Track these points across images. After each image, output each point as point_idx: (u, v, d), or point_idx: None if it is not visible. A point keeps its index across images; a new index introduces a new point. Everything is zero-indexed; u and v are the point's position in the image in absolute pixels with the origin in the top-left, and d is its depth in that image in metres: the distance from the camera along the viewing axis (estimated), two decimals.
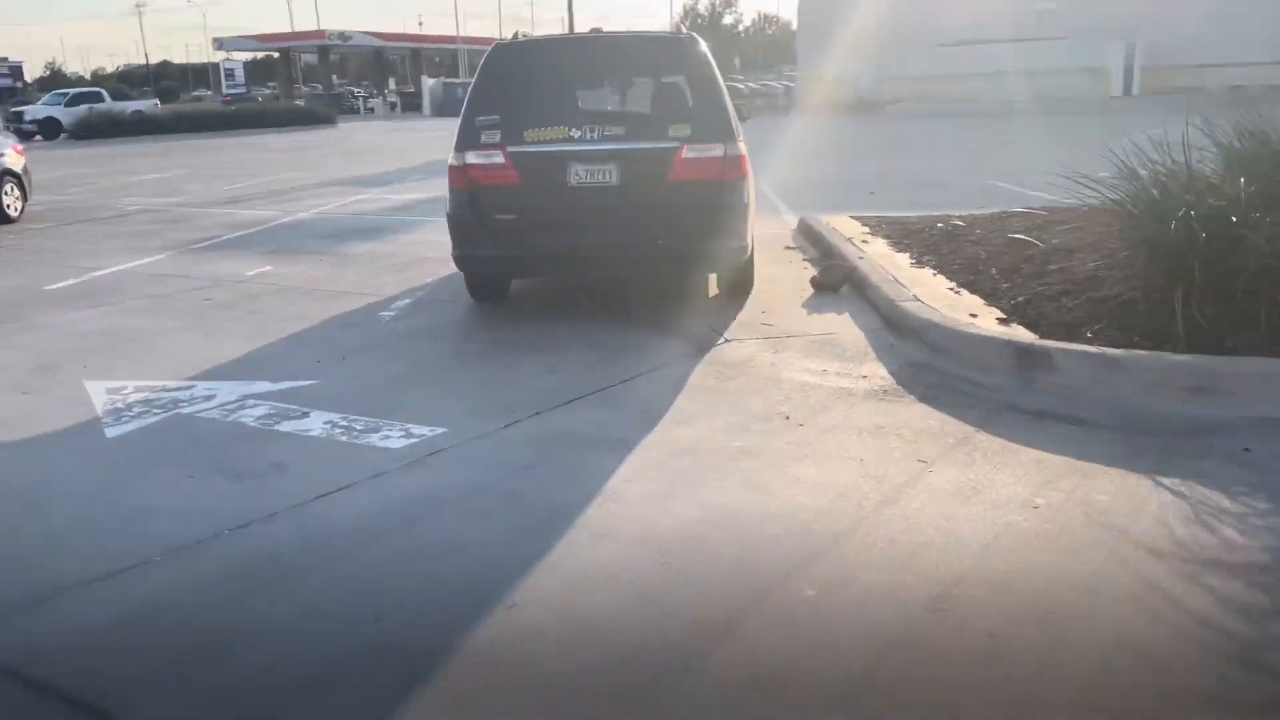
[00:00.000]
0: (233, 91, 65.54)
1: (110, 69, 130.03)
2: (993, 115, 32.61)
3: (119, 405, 4.97)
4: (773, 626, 2.79)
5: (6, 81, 78.04)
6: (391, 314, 7.09)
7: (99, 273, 9.18)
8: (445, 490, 3.79)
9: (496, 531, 3.44)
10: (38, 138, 37.73)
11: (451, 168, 6.49)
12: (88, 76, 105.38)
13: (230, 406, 4.90)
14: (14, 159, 13.94)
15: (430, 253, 9.85)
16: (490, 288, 7.20)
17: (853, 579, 3.01)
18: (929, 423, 4.34)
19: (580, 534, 3.38)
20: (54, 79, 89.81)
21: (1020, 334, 5.03)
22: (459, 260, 6.65)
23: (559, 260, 6.41)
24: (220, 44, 73.76)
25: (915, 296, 6.03)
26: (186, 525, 3.52)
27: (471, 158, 6.38)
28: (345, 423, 4.59)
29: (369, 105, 65.95)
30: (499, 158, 6.32)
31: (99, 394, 5.18)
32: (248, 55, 79.93)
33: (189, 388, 5.29)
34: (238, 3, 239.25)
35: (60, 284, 8.65)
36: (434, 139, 32.83)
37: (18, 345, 6.40)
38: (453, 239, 6.61)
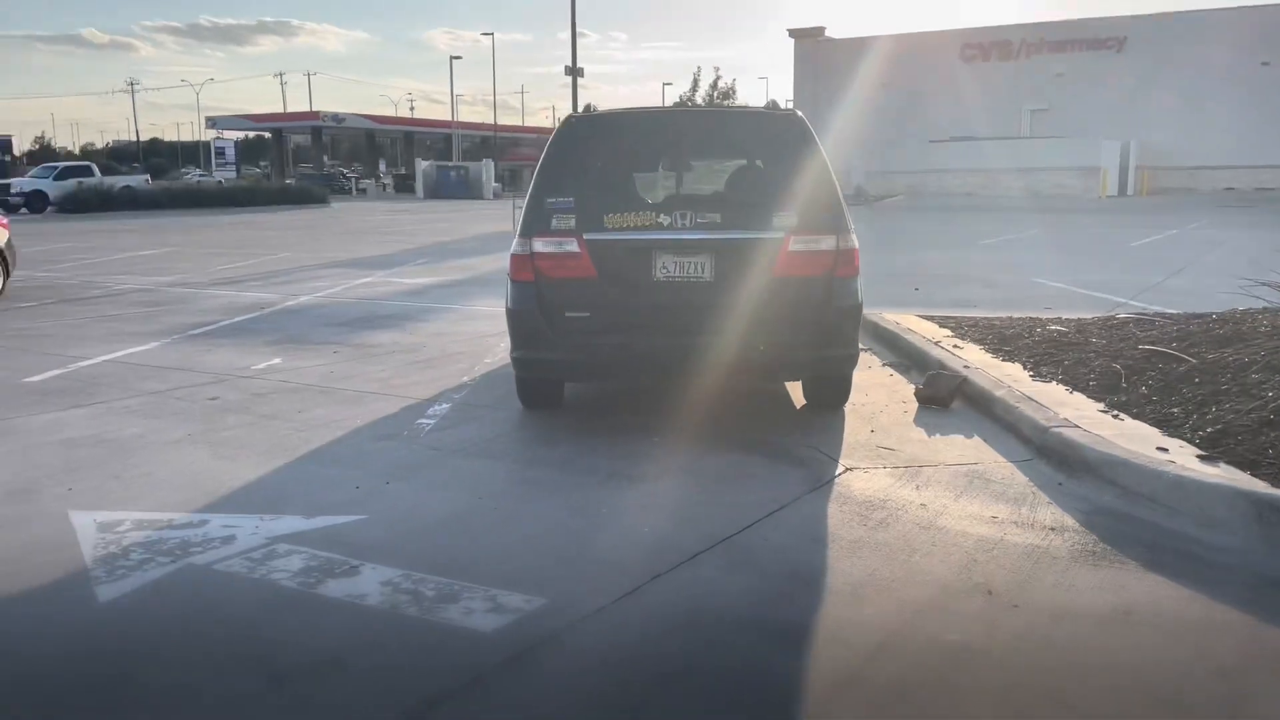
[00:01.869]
0: (223, 171, 65.22)
1: (100, 144, 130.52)
2: (989, 211, 32.40)
3: (113, 550, 3.90)
4: None
5: None
6: (431, 422, 6.07)
7: (86, 362, 8.14)
8: (576, 710, 2.73)
9: None
10: (23, 210, 36.84)
11: (515, 257, 5.56)
12: (77, 151, 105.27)
13: (256, 555, 3.84)
14: None
15: (458, 345, 8.89)
16: (546, 394, 6.22)
17: None
18: (1188, 607, 3.34)
19: None
20: (43, 153, 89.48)
21: (1245, 480, 4.06)
22: (521, 364, 5.67)
23: (639, 367, 5.44)
24: (213, 123, 73.88)
25: (1067, 420, 5.09)
26: None
27: (540, 245, 5.46)
28: (410, 585, 3.53)
29: (360, 186, 65.81)
30: (573, 246, 5.41)
31: (88, 531, 4.11)
32: (239, 134, 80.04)
33: (201, 523, 4.22)
34: (230, 84, 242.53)
35: (42, 375, 7.59)
36: (431, 220, 32.22)
37: None
38: (513, 338, 5.64)
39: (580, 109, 5.85)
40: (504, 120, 77.65)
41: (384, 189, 65.54)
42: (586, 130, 5.72)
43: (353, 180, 67.09)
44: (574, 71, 33.21)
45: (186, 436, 5.75)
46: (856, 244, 5.52)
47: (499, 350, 8.61)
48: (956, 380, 6.34)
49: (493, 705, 2.73)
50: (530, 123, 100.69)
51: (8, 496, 4.64)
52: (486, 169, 58.45)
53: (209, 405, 6.57)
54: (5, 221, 13.48)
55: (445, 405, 6.54)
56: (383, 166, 78.47)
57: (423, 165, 59.78)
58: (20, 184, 38.71)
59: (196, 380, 7.38)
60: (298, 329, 10.02)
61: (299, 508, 4.43)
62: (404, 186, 63.58)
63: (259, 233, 26.49)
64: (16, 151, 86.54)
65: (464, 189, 55.62)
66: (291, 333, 9.77)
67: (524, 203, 5.70)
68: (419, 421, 6.09)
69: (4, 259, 12.95)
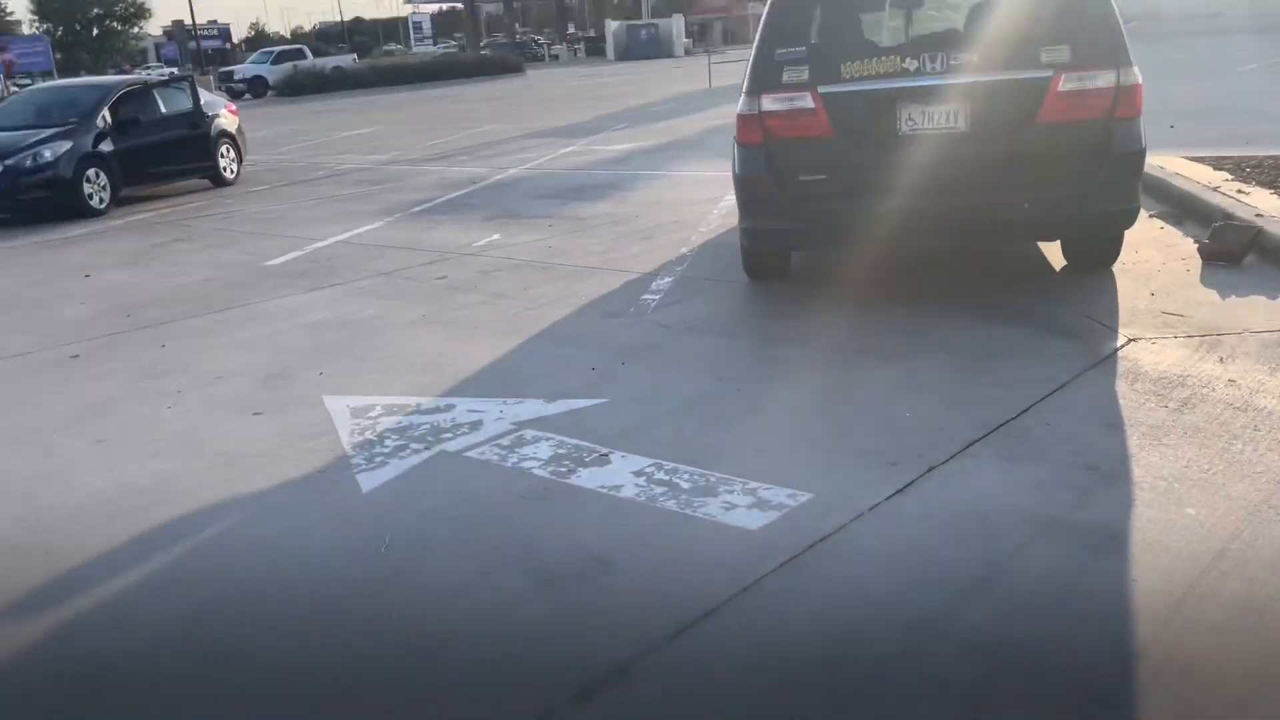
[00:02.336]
0: (421, 45, 66.53)
1: (308, 27, 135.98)
2: (1243, 34, 28.31)
3: (369, 436, 3.95)
4: None
5: (216, 43, 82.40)
6: (655, 298, 5.86)
7: (320, 244, 8.44)
8: (864, 623, 2.50)
9: None
10: (247, 96, 39.07)
11: (741, 118, 5.13)
12: (288, 35, 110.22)
13: (505, 442, 3.79)
14: (229, 120, 13.63)
15: (670, 214, 8.61)
16: (773, 265, 5.86)
17: None
18: None
19: None
20: (258, 39, 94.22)
21: None
22: (751, 234, 5.32)
23: (886, 233, 4.96)
24: None
25: None
26: (515, 691, 2.38)
27: (769, 103, 5.00)
28: (663, 475, 3.37)
29: (553, 52, 65.56)
30: (807, 101, 4.91)
31: (342, 417, 4.19)
32: (434, 7, 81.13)
33: (448, 408, 4.22)
34: None
35: (281, 258, 7.92)
36: (625, 83, 31.66)
37: (246, 342, 5.57)
38: (742, 207, 5.28)
39: None
40: None
41: (575, 53, 65.04)
42: None
43: (545, 47, 66.92)
44: None
45: (421, 317, 5.81)
46: (1139, 78, 4.74)
47: (713, 219, 8.27)
48: (1250, 231, 5.48)
49: (771, 615, 2.53)
50: None
51: (266, 381, 4.82)
52: (676, 25, 56.74)
53: (438, 285, 6.63)
54: (234, 109, 14.14)
55: (667, 279, 6.31)
56: (572, 29, 77.73)
57: (612, 26, 58.69)
58: (242, 70, 41.02)
59: (423, 259, 7.48)
60: (511, 202, 10.02)
61: (539, 391, 4.35)
62: (595, 49, 62.84)
63: (462, 106, 26.89)
64: (234, 39, 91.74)
65: (654, 47, 54.34)
66: (505, 206, 9.78)
67: (749, 56, 5.23)
68: (644, 297, 5.90)
69: (236, 145, 13.63)
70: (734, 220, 8.13)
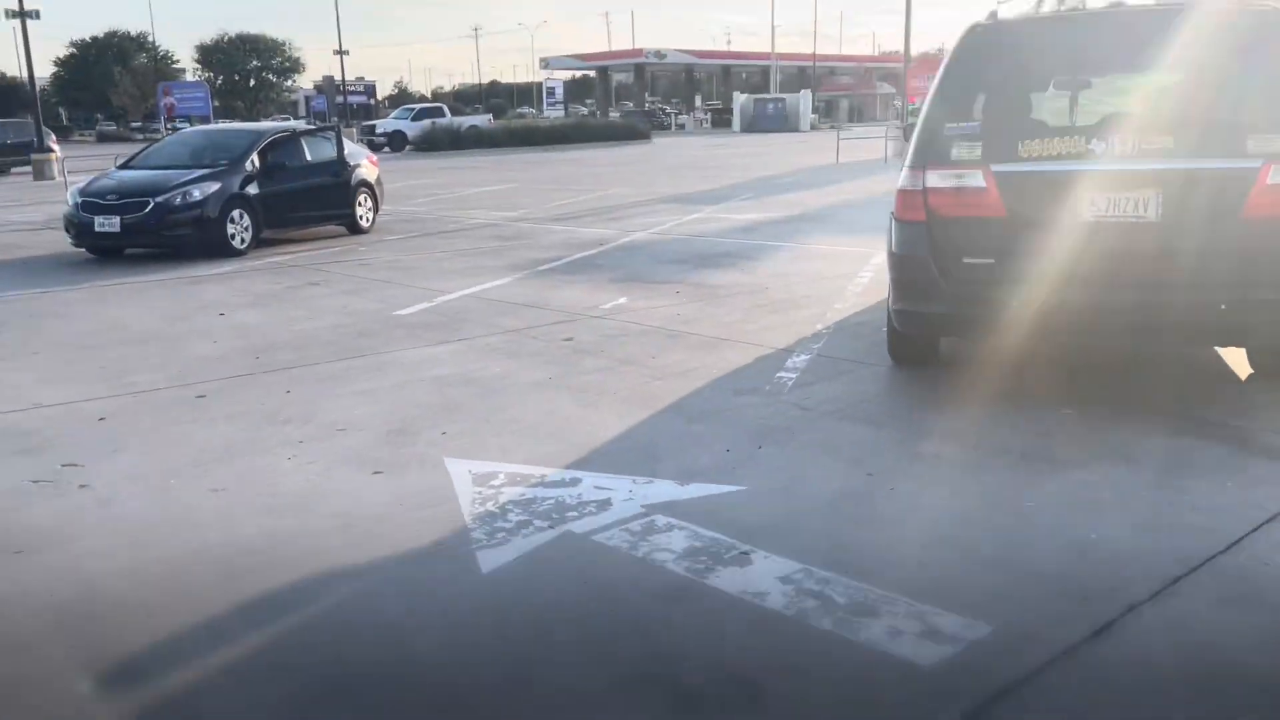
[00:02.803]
0: (553, 109, 68.48)
1: (448, 87, 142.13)
2: None
3: (490, 507, 3.70)
4: None
5: (362, 99, 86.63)
6: (792, 376, 5.52)
7: (448, 296, 8.40)
8: None
9: None
10: (386, 149, 40.64)
11: (902, 193, 4.81)
12: (429, 95, 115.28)
13: (635, 527, 3.48)
14: (369, 170, 13.99)
15: (803, 288, 8.29)
16: (921, 349, 5.47)
17: None
18: None
19: None
20: (401, 96, 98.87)
21: None
22: (904, 318, 4.95)
23: (1055, 328, 4.53)
24: (546, 63, 77.65)
25: None
26: None
27: (935, 179, 4.66)
28: (814, 585, 3.00)
29: (679, 121, 66.62)
30: (978, 180, 4.56)
31: (464, 483, 3.96)
32: (568, 74, 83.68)
33: (574, 482, 3.95)
34: (559, 27, 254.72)
35: (411, 309, 7.89)
36: (751, 154, 31.71)
37: (370, 393, 5.44)
38: (896, 288, 4.92)
39: (986, 14, 4.92)
40: (821, 50, 75.29)
41: (701, 124, 65.95)
42: (996, 40, 4.79)
43: (672, 116, 68.09)
44: None
45: (548, 379, 5.60)
46: None
47: (849, 295, 7.92)
48: None
49: None
50: (848, 51, 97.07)
51: (388, 436, 4.65)
52: (804, 100, 57.00)
53: (564, 346, 6.44)
54: (375, 160, 14.52)
55: (804, 357, 5.97)
56: (698, 101, 78.97)
57: (740, 99, 59.37)
58: (383, 125, 42.76)
59: (550, 318, 7.33)
60: (638, 266, 9.87)
61: (671, 470, 4.04)
62: (721, 121, 63.63)
63: (589, 169, 27.30)
64: (379, 96, 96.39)
65: (780, 121, 54.65)
66: (633, 270, 9.63)
67: (915, 128, 4.92)
68: (779, 375, 5.56)
69: (374, 194, 13.96)
70: (872, 298, 7.78)
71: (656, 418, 4.85)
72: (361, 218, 13.63)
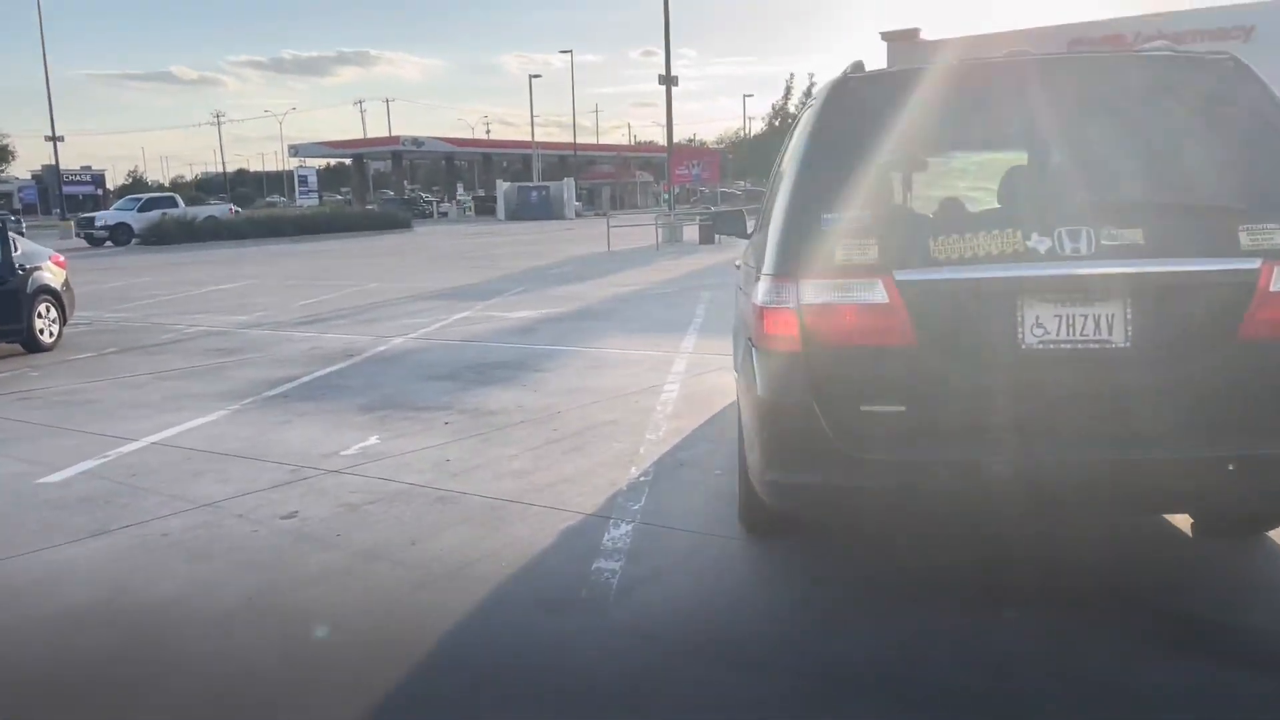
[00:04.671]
0: (306, 198, 64.93)
1: (189, 176, 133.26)
2: None
3: None
4: None
5: (89, 189, 78.83)
6: (616, 567, 3.90)
7: (130, 446, 6.19)
8: None
9: None
10: (109, 243, 36.23)
11: (765, 311, 3.33)
12: (167, 184, 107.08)
13: None
14: (52, 274, 11.33)
15: (603, 410, 6.76)
16: (779, 517, 3.99)
17: None
18: None
19: None
20: (135, 186, 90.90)
21: None
22: (777, 491, 3.40)
23: (1000, 504, 3.14)
24: (295, 150, 73.88)
25: None
26: None
27: (813, 292, 3.22)
28: None
29: (441, 209, 64.82)
30: (877, 293, 3.16)
31: None
32: (321, 162, 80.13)
33: None
34: (312, 114, 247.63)
35: (67, 471, 5.65)
36: (519, 243, 30.43)
37: None
38: (765, 449, 3.38)
39: (851, 65, 3.59)
40: (580, 140, 75.89)
41: (464, 211, 64.34)
42: (875, 97, 3.45)
43: (433, 204, 66.16)
44: (669, 80, 31.03)
45: (247, 602, 3.66)
46: None
47: (658, 418, 6.45)
48: None
49: None
50: (605, 141, 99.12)
51: None
52: (568, 188, 56.85)
53: (282, 531, 4.50)
54: (63, 260, 11.84)
55: (624, 527, 4.37)
56: (460, 190, 77.58)
57: (503, 186, 58.48)
58: (104, 217, 38.21)
59: (268, 478, 5.34)
60: (395, 385, 8.00)
61: None
62: (485, 208, 62.38)
63: (343, 261, 24.95)
64: (110, 185, 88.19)
65: (545, 209, 54.06)
66: (388, 391, 7.75)
67: (770, 218, 3.51)
68: (597, 565, 3.92)
69: (60, 303, 11.28)
70: (687, 422, 6.35)
71: (415, 683, 3.04)
72: (42, 331, 10.92)
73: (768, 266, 3.39)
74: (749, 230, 6.21)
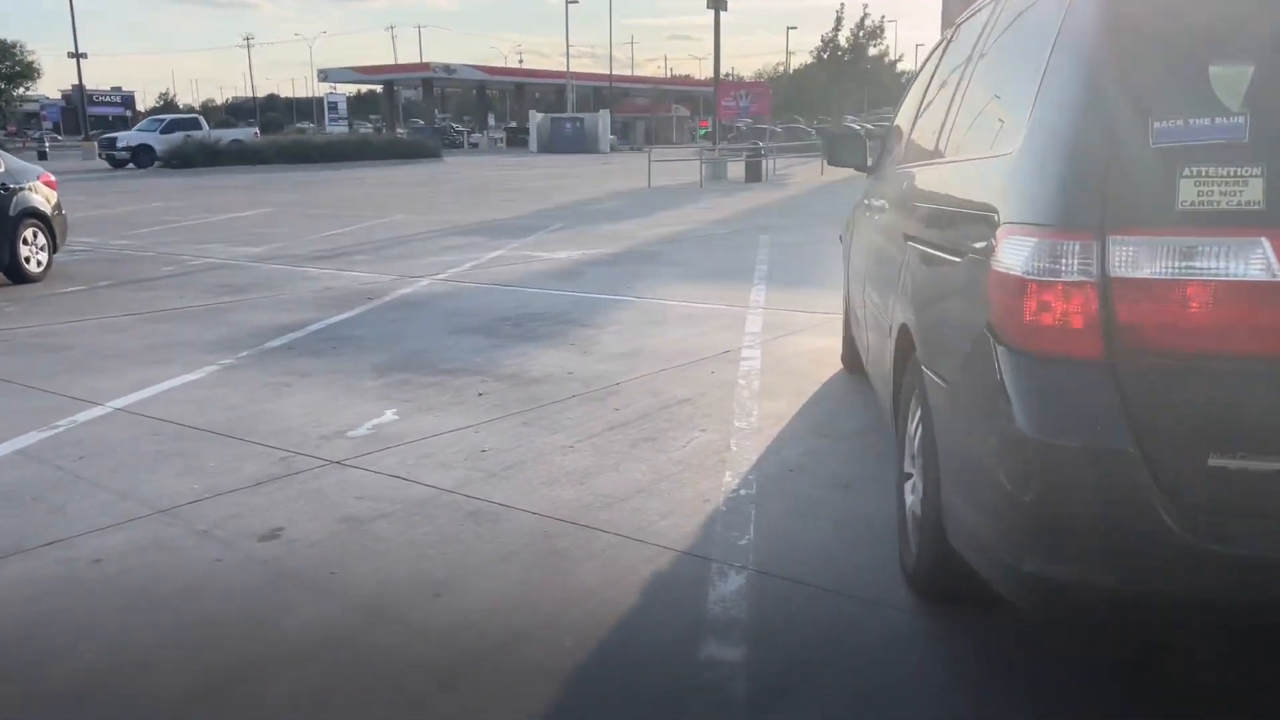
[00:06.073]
0: (335, 125, 63.34)
1: (219, 101, 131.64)
2: None
3: None
4: None
5: (119, 111, 77.59)
6: (731, 657, 2.61)
7: (91, 411, 4.96)
8: None
9: None
10: (130, 165, 35.06)
11: (1030, 284, 1.96)
12: (197, 108, 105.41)
13: None
14: (41, 195, 10.07)
15: (672, 382, 5.45)
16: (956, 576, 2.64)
17: None
18: None
19: None
20: (165, 109, 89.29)
21: None
22: (1044, 591, 2.03)
23: None
24: (325, 75, 72.04)
25: None
26: None
27: (1137, 257, 1.84)
28: None
29: (472, 140, 63.01)
30: (1263, 262, 1.77)
31: None
32: (351, 89, 78.14)
33: None
34: (343, 38, 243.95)
35: (2, 447, 4.41)
36: (553, 176, 28.88)
37: None
38: (1028, 521, 2.01)
39: None
40: (614, 72, 73.38)
41: (495, 143, 62.41)
42: None
43: (464, 134, 64.29)
44: (717, 3, 28.97)
45: (184, 709, 2.39)
46: None
47: (743, 395, 5.17)
48: None
49: None
50: (639, 73, 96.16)
51: None
52: (603, 120, 54.82)
53: (256, 564, 3.22)
54: (52, 179, 10.56)
55: (735, 580, 3.08)
56: (492, 120, 75.49)
57: (537, 118, 56.46)
58: (126, 138, 36.94)
59: (250, 469, 4.08)
60: (418, 339, 6.70)
61: None
62: (516, 140, 60.47)
63: (369, 190, 23.58)
64: (140, 107, 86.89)
65: (580, 142, 52.19)
66: (410, 347, 6.46)
67: (1017, 138, 2.13)
68: (707, 655, 2.62)
69: (49, 227, 10.04)
70: (782, 403, 4.95)
71: None
72: (27, 260, 9.71)
73: (1028, 210, 2.01)
74: (868, 162, 4.85)
